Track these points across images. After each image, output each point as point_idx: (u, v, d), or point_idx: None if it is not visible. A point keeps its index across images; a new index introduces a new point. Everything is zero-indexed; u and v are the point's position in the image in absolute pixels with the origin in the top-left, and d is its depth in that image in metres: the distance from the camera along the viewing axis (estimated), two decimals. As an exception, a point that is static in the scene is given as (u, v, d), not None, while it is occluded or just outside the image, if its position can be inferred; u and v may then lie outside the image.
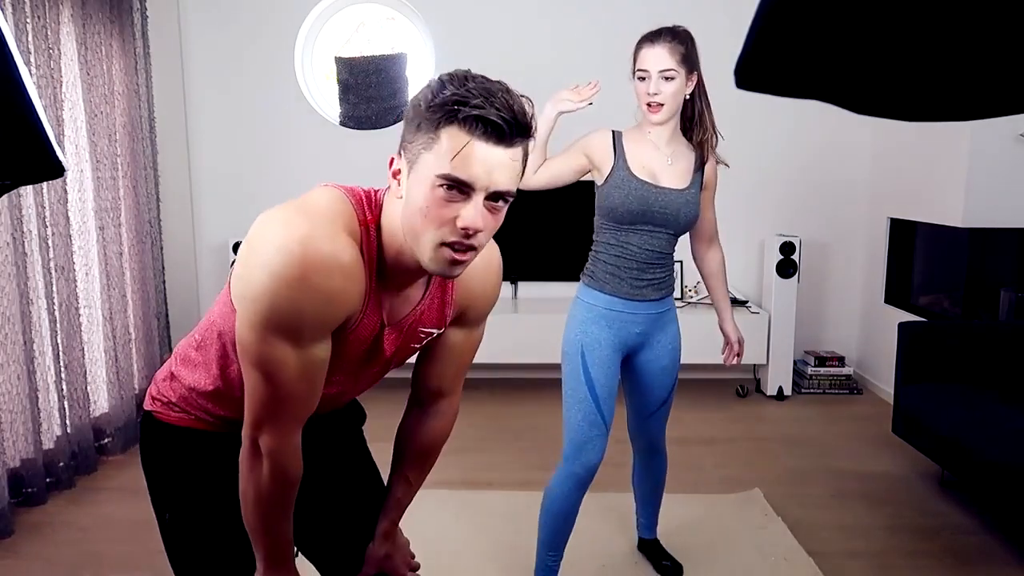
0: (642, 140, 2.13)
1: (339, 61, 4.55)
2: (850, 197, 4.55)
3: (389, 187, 1.12)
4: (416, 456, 1.54)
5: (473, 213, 1.02)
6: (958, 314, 3.89)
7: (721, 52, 4.46)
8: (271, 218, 1.04)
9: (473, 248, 1.06)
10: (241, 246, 1.07)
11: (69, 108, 3.27)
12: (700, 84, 2.13)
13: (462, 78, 1.02)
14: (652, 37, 2.08)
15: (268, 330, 1.03)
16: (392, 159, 1.09)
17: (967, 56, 0.61)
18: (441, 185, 1.00)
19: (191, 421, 1.29)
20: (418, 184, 1.03)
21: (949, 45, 0.61)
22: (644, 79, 2.06)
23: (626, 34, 4.58)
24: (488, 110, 0.98)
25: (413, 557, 1.65)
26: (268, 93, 4.47)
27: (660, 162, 2.10)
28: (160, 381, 1.33)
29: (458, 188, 1.01)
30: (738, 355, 2.34)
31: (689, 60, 2.07)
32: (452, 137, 0.99)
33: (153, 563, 2.57)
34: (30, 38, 2.96)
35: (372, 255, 1.11)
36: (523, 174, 1.10)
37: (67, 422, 3.19)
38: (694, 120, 2.13)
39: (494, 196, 1.04)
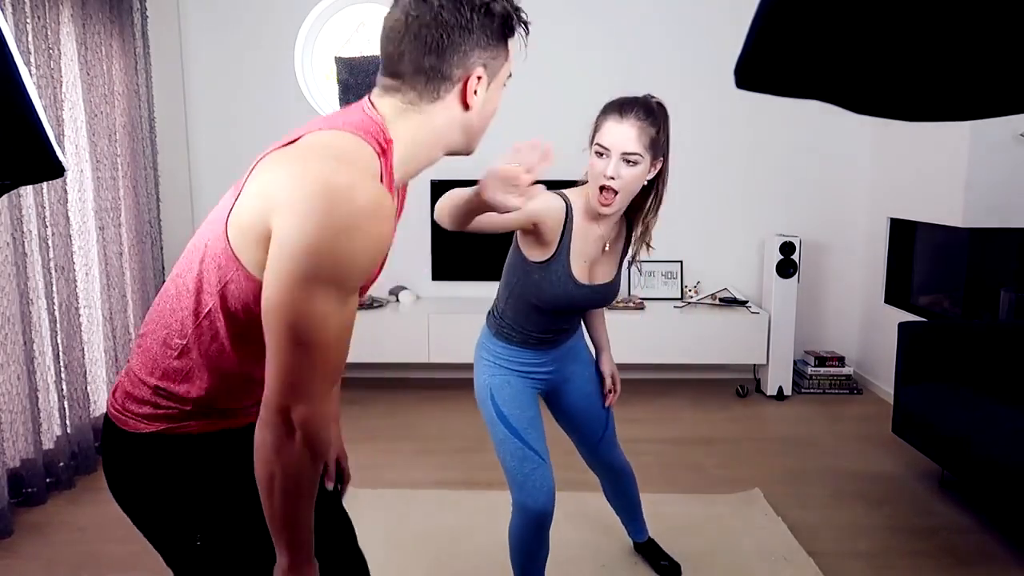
0: (587, 223, 1.90)
1: (339, 61, 4.55)
2: (850, 197, 4.55)
3: (422, 108, 1.11)
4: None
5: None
6: (958, 314, 3.89)
7: (721, 53, 4.46)
8: (310, 169, 0.99)
9: None
10: (275, 202, 1.00)
11: (69, 108, 3.27)
12: (663, 171, 1.86)
13: None
14: (622, 108, 1.77)
15: (315, 284, 0.96)
16: (470, 77, 1.11)
17: (967, 56, 0.61)
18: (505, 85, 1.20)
19: (208, 424, 1.17)
20: (496, 90, 1.17)
21: (949, 45, 0.61)
22: (602, 155, 1.79)
23: (626, 34, 4.59)
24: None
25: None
26: (268, 93, 4.47)
27: (597, 250, 1.92)
28: (153, 397, 1.15)
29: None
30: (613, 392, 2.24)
31: (657, 144, 1.78)
32: (509, 49, 1.18)
33: (153, 563, 2.57)
34: (30, 38, 2.96)
35: (391, 184, 1.11)
36: None
37: (67, 422, 3.19)
38: (645, 207, 1.91)
39: None
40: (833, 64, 0.65)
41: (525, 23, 1.17)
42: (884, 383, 4.27)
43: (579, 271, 1.89)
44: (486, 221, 1.73)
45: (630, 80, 4.45)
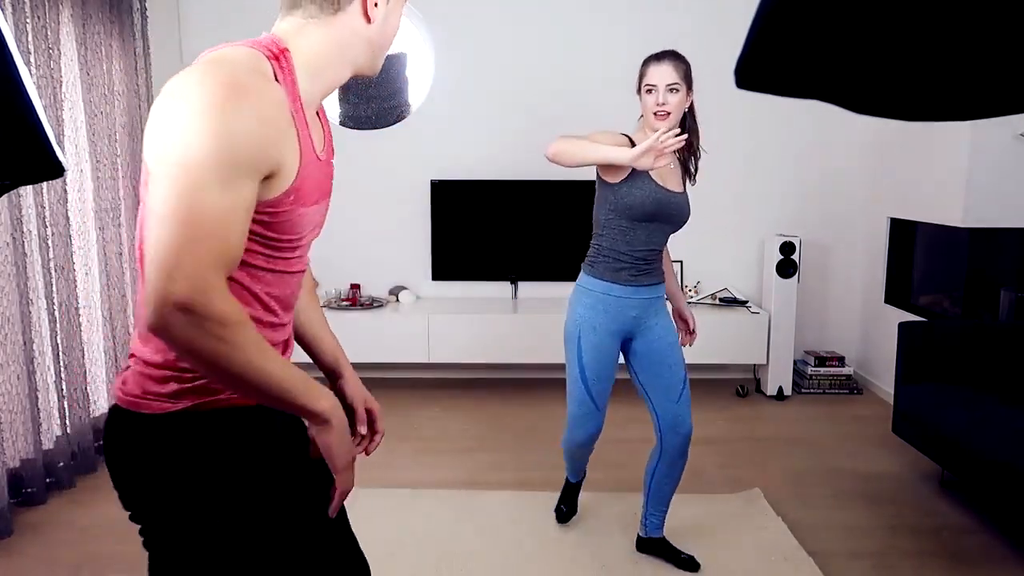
0: None
1: (339, 61, 4.54)
2: (850, 197, 4.55)
3: (323, 20, 1.14)
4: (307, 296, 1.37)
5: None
6: (958, 314, 3.89)
7: (721, 53, 4.47)
8: (194, 76, 0.98)
9: None
10: (158, 118, 0.97)
11: (69, 108, 3.28)
12: (692, 104, 2.41)
13: None
14: (659, 56, 2.31)
15: (216, 165, 0.94)
16: None
17: (967, 56, 0.61)
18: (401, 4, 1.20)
19: (234, 397, 1.09)
20: (396, 8, 1.18)
21: (949, 45, 0.61)
22: (652, 91, 2.29)
23: (625, 34, 4.59)
24: None
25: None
26: (268, 93, 4.47)
27: (665, 168, 2.33)
28: (172, 376, 1.07)
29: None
30: (692, 333, 2.60)
31: (689, 78, 2.33)
32: None
33: (153, 563, 2.58)
34: (30, 38, 2.96)
35: (293, 87, 1.10)
36: None
37: (67, 422, 3.19)
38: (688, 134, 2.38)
39: None
40: (833, 64, 0.65)
41: None
42: (884, 383, 4.27)
43: (656, 178, 2.33)
44: (603, 143, 2.28)
45: (630, 80, 4.45)
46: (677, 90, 2.29)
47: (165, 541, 1.11)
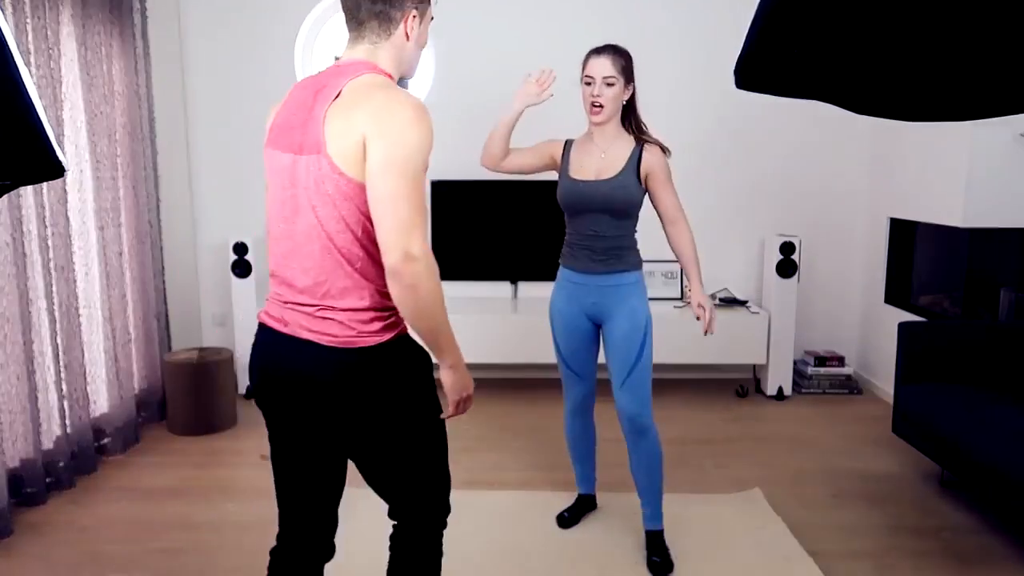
0: (587, 142, 2.55)
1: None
2: (850, 197, 4.55)
3: (384, 44, 1.57)
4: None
5: None
6: (958, 314, 3.89)
7: (721, 54, 4.46)
8: (396, 101, 1.45)
9: None
10: (382, 131, 1.41)
11: (69, 108, 3.28)
12: (634, 95, 2.51)
13: None
14: (599, 50, 2.44)
15: (424, 159, 1.44)
16: (407, 18, 1.56)
17: (966, 56, 0.61)
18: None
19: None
20: (425, 26, 1.62)
21: (948, 45, 0.61)
22: (590, 83, 2.43)
23: (625, 34, 4.58)
24: None
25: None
26: (268, 94, 4.46)
27: (595, 158, 2.50)
28: (377, 317, 1.52)
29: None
30: (710, 321, 2.49)
31: (628, 72, 2.44)
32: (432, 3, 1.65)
33: (153, 563, 2.58)
34: (30, 38, 2.96)
35: None
36: None
37: (67, 422, 3.19)
38: (631, 119, 2.53)
39: None
40: (833, 64, 0.65)
41: None
42: (884, 383, 4.27)
43: (577, 171, 2.51)
44: (527, 158, 2.63)
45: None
46: (612, 84, 2.40)
47: (378, 429, 1.56)
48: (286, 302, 1.56)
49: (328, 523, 1.76)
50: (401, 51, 1.58)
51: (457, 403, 1.61)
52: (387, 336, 1.52)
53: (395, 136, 1.40)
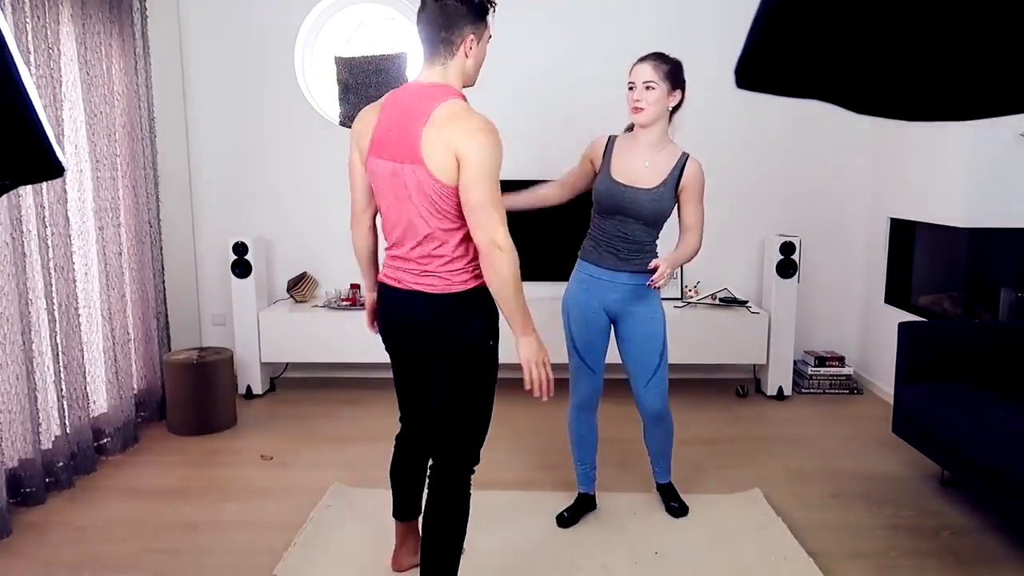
0: (632, 144, 2.59)
1: (339, 61, 4.55)
2: (850, 197, 4.55)
3: (451, 65, 2.00)
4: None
5: None
6: (958, 314, 3.89)
7: (721, 53, 4.46)
8: (479, 127, 1.89)
9: None
10: (471, 150, 1.87)
11: (69, 108, 3.27)
12: (681, 100, 2.56)
13: None
14: (643, 57, 2.51)
15: (499, 167, 1.94)
16: (465, 40, 1.98)
17: (967, 56, 0.61)
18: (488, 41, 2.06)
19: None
20: (483, 45, 2.03)
21: (949, 45, 0.61)
22: (632, 88, 2.50)
23: (625, 34, 4.59)
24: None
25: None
26: (268, 93, 4.47)
27: (639, 165, 2.56)
28: (464, 271, 2.03)
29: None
30: (658, 278, 2.45)
31: (671, 77, 2.49)
32: (489, 24, 2.04)
33: (153, 563, 2.57)
34: (30, 38, 2.96)
35: None
36: None
37: (66, 422, 3.19)
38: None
39: None
40: (833, 64, 0.64)
41: (493, 5, 2.02)
42: (884, 383, 4.27)
43: (619, 173, 2.56)
44: (573, 177, 2.83)
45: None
46: (653, 88, 2.46)
47: (459, 354, 2.07)
48: (399, 267, 2.07)
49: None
50: (463, 66, 2.01)
51: (531, 370, 2.04)
52: (470, 286, 2.03)
53: (481, 152, 1.87)
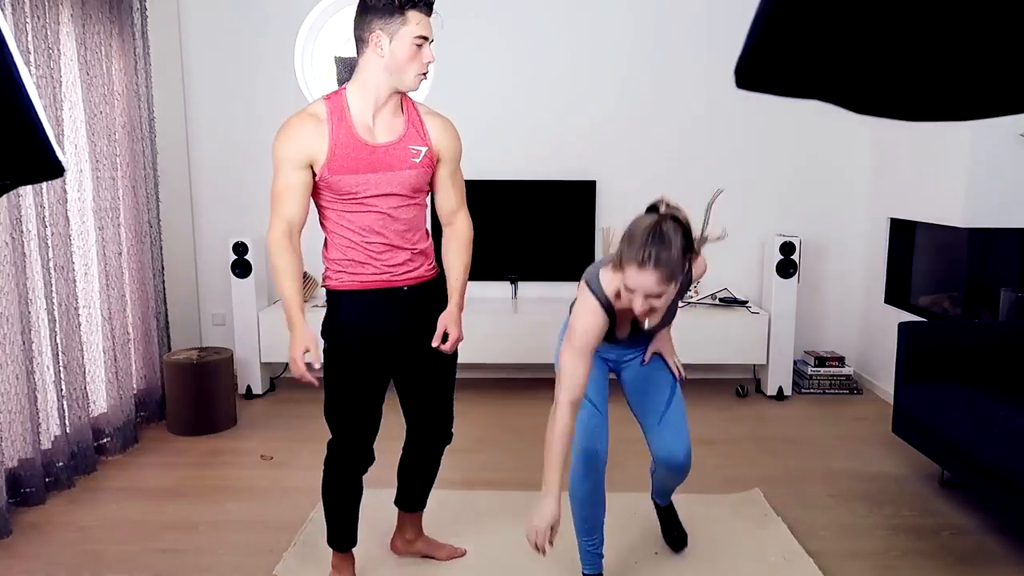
0: (627, 311, 2.08)
1: (339, 61, 4.55)
2: (850, 197, 4.55)
3: (359, 66, 2.03)
4: (459, 252, 2.30)
5: (431, 53, 2.03)
6: (958, 314, 3.89)
7: (721, 53, 4.45)
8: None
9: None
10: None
11: (69, 108, 3.27)
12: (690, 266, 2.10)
13: None
14: (641, 261, 1.84)
15: (276, 161, 2.15)
16: (370, 39, 1.97)
17: (967, 56, 0.61)
18: (419, 44, 1.98)
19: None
20: (400, 46, 1.96)
21: (949, 45, 0.61)
22: (633, 292, 1.90)
23: (628, 35, 4.59)
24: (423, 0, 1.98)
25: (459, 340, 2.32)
26: (268, 93, 4.47)
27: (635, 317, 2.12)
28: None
29: (424, 41, 1.99)
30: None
31: (680, 272, 1.90)
32: (414, 16, 1.96)
33: (153, 563, 2.57)
34: (30, 38, 2.96)
35: (341, 110, 2.04)
36: None
37: (66, 422, 3.19)
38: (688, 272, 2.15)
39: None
40: (833, 64, 0.64)
41: (416, 3, 1.95)
42: (884, 383, 4.27)
43: (621, 331, 2.21)
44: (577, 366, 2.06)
45: (629, 81, 4.46)
46: (661, 295, 1.89)
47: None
48: None
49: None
50: (378, 67, 2.00)
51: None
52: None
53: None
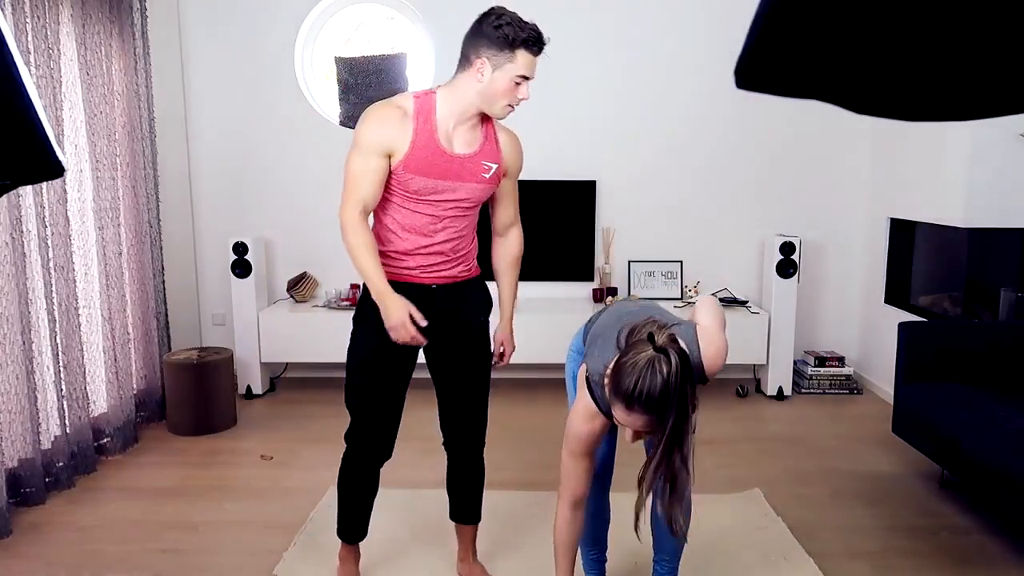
0: None
1: (339, 61, 4.55)
2: (850, 197, 4.55)
3: (456, 78, 2.07)
4: (508, 269, 2.36)
5: (527, 91, 2.06)
6: (958, 314, 3.89)
7: (721, 52, 4.44)
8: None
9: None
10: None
11: (69, 108, 3.27)
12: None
13: (518, 21, 1.98)
14: (629, 404, 1.66)
15: (355, 148, 2.06)
16: (475, 62, 2.01)
17: (967, 56, 0.61)
18: (518, 83, 2.02)
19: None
20: (502, 78, 2.00)
21: (948, 45, 0.61)
22: (622, 424, 1.75)
23: (627, 35, 4.58)
24: (536, 43, 1.99)
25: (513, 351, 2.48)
26: (268, 93, 4.47)
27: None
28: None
29: (524, 80, 2.02)
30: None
31: (668, 416, 1.67)
32: (523, 56, 1.98)
33: (153, 563, 2.57)
34: (30, 38, 2.96)
35: (428, 112, 2.07)
36: None
37: (66, 422, 3.19)
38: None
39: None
40: (833, 64, 0.64)
41: (529, 44, 1.98)
42: (884, 383, 4.27)
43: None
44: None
45: (629, 80, 4.46)
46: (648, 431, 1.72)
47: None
48: None
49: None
50: (470, 85, 2.05)
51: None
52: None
53: None
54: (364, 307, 2.15)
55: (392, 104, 2.06)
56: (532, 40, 1.96)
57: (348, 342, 2.21)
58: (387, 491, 3.07)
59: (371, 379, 2.17)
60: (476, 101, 2.03)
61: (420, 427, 3.89)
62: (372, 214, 2.11)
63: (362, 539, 2.38)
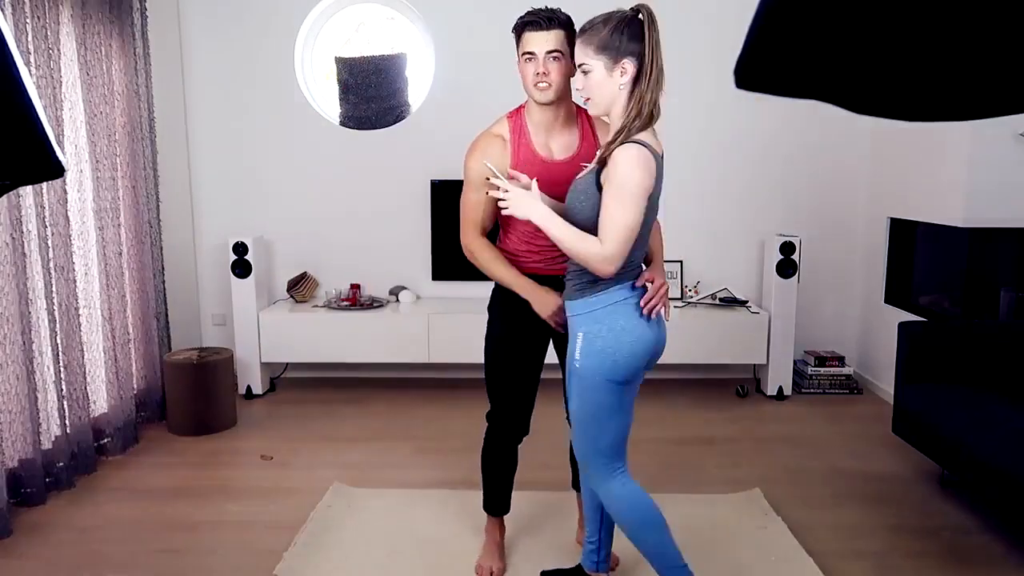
0: None
1: (339, 61, 4.55)
2: (850, 197, 4.55)
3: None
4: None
5: (537, 66, 2.16)
6: (958, 314, 3.89)
7: (721, 52, 4.45)
8: None
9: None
10: None
11: (69, 108, 3.27)
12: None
13: (530, 11, 2.22)
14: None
15: (468, 179, 2.30)
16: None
17: (967, 56, 0.61)
18: (527, 59, 2.21)
19: None
20: (519, 62, 2.28)
21: (948, 45, 0.61)
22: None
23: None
24: (532, 21, 2.17)
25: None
26: (268, 93, 4.47)
27: None
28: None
29: (532, 56, 2.16)
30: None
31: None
32: (526, 36, 2.19)
33: (153, 563, 2.57)
34: (30, 38, 2.96)
35: (521, 127, 2.23)
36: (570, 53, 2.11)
37: (66, 422, 3.19)
38: None
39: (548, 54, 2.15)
40: (833, 64, 0.65)
41: (528, 24, 2.16)
42: (884, 383, 4.27)
43: None
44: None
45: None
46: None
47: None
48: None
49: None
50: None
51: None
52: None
53: None
54: (493, 305, 2.43)
55: (489, 134, 2.24)
56: (529, 21, 2.12)
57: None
58: (386, 491, 3.07)
59: (505, 365, 2.37)
60: (527, 93, 2.19)
61: (417, 427, 3.90)
62: (500, 223, 2.35)
63: (506, 512, 2.56)
